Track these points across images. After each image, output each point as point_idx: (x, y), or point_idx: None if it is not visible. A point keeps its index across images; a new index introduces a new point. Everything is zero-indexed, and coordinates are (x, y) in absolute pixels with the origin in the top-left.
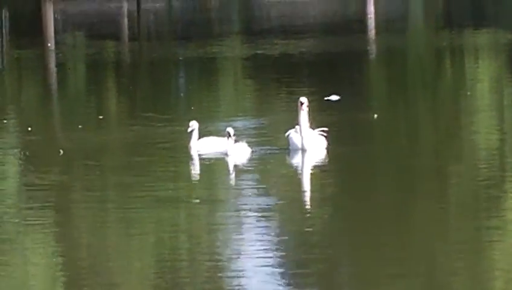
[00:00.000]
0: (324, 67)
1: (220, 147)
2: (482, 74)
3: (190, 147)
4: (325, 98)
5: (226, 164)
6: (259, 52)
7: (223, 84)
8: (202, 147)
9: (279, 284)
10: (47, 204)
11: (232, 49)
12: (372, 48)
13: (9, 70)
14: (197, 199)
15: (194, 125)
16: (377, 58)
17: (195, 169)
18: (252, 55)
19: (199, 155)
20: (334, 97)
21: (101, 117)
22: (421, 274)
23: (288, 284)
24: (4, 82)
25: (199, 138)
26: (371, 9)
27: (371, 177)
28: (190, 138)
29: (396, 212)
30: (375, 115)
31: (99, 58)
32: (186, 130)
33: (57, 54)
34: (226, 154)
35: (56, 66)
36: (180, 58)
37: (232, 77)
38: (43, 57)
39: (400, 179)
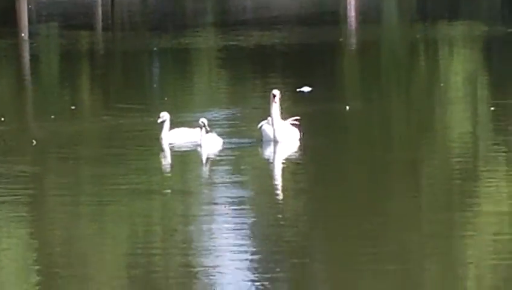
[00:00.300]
0: (298, 59)
1: (191, 138)
2: (456, 66)
3: (161, 138)
4: (298, 89)
5: (198, 155)
6: (233, 43)
7: (197, 75)
8: (173, 138)
9: (253, 277)
10: (19, 195)
11: (207, 41)
12: (347, 40)
13: None
14: (169, 190)
15: (164, 116)
16: (351, 50)
17: (167, 160)
18: (226, 47)
19: (171, 146)
20: (306, 88)
21: (73, 107)
22: (394, 265)
23: (261, 276)
24: None
25: (170, 128)
26: (351, 1)
27: (343, 168)
28: (161, 129)
29: (369, 204)
30: (347, 107)
31: (73, 48)
32: (157, 121)
33: (30, 44)
34: (199, 145)
35: (30, 57)
36: (155, 48)
37: (206, 68)
38: (16, 47)
39: (372, 171)
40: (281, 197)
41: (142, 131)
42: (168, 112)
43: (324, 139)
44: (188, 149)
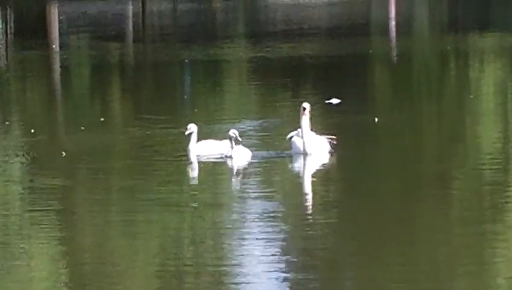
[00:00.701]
0: (327, 71)
1: (218, 150)
2: (487, 78)
3: (189, 150)
4: (326, 101)
5: (226, 167)
6: (263, 54)
7: (227, 86)
8: (201, 149)
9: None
10: (50, 207)
11: (237, 52)
12: (376, 51)
13: (13, 71)
14: (199, 203)
15: (192, 128)
16: (381, 61)
17: (196, 173)
18: (256, 58)
19: (198, 158)
20: (335, 100)
21: (102, 119)
22: (424, 280)
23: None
24: (8, 83)
25: (198, 140)
26: (392, 11)
27: (374, 181)
28: (189, 140)
29: (399, 217)
30: (376, 119)
31: (103, 60)
32: (185, 133)
33: (61, 55)
34: (229, 156)
35: (60, 68)
36: (185, 60)
37: (236, 79)
38: (47, 58)
39: (403, 184)
40: (311, 210)
41: (171, 143)
42: (197, 123)
43: (353, 152)
44: (215, 161)
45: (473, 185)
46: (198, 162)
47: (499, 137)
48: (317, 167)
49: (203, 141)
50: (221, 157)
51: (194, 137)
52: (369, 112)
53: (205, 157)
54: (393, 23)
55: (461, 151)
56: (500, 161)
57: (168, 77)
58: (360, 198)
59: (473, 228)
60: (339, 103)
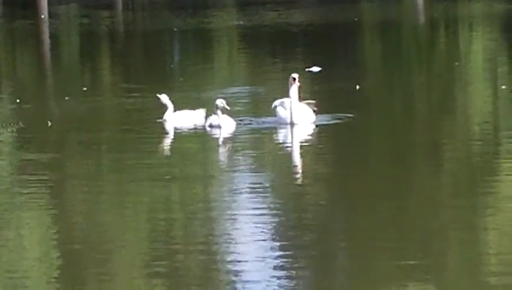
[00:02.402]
0: (313, 38)
1: (195, 120)
2: (474, 44)
3: (165, 120)
4: (306, 69)
5: (210, 137)
6: (252, 23)
7: (214, 55)
8: (177, 120)
9: (273, 264)
10: (38, 180)
11: (226, 21)
12: (364, 19)
13: (2, 41)
14: (188, 175)
15: (162, 98)
16: (366, 29)
17: (181, 144)
18: (245, 27)
19: (175, 128)
20: (315, 68)
21: (84, 89)
22: (415, 251)
23: (282, 264)
24: None
25: (174, 110)
26: None
27: (361, 151)
28: (165, 111)
29: (390, 189)
30: (357, 86)
31: (92, 29)
32: (157, 104)
33: (50, 24)
34: (216, 126)
35: (49, 37)
36: (175, 29)
37: (224, 48)
38: (36, 27)
39: (391, 153)
40: (300, 182)
41: (153, 111)
42: (183, 90)
43: (339, 121)
44: (194, 131)
45: (463, 155)
46: (180, 132)
47: (487, 105)
48: (304, 137)
49: (178, 112)
50: (197, 128)
51: (170, 107)
52: (351, 80)
53: (181, 127)
54: None
55: (443, 119)
56: (488, 130)
57: (157, 46)
58: (349, 169)
59: (464, 200)
60: (320, 71)
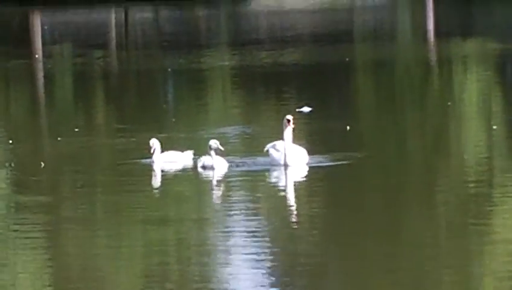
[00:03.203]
0: (306, 78)
1: (182, 161)
2: (467, 84)
3: (153, 162)
4: (297, 110)
5: (201, 179)
6: (246, 63)
7: (208, 95)
8: (165, 161)
9: None
10: (32, 223)
11: (220, 60)
12: (356, 58)
13: None
14: (183, 218)
15: (154, 144)
16: (358, 69)
17: (171, 186)
18: (238, 66)
19: (164, 169)
20: (306, 109)
21: (76, 130)
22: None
23: None
24: None
25: (162, 151)
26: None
27: (355, 192)
28: (152, 152)
29: (384, 230)
30: (348, 127)
31: (86, 68)
32: (149, 150)
33: (44, 64)
34: (210, 167)
35: (43, 77)
36: (169, 69)
37: (217, 88)
38: (30, 67)
39: (382, 193)
40: (294, 224)
41: (143, 152)
42: (175, 131)
43: (333, 162)
44: (187, 173)
45: (456, 196)
46: (173, 174)
47: (481, 145)
48: (298, 179)
49: (166, 152)
50: (184, 169)
51: (157, 150)
52: (342, 120)
53: (169, 168)
54: (431, 28)
55: (437, 158)
56: (483, 171)
57: (151, 86)
58: (344, 211)
59: (458, 242)
60: (311, 111)
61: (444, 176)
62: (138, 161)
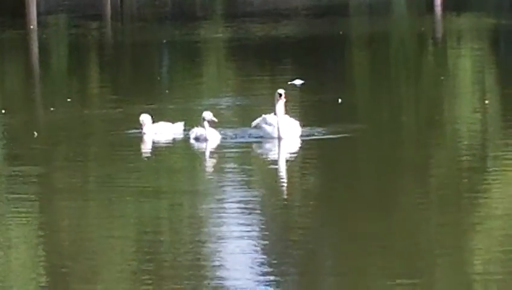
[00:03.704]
0: (298, 51)
1: (172, 132)
2: (460, 59)
3: (144, 133)
4: (289, 82)
5: (194, 150)
6: (240, 35)
7: (202, 67)
8: (156, 132)
9: (260, 279)
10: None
11: (214, 32)
12: (350, 32)
13: None
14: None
15: (144, 120)
16: (352, 42)
17: (163, 157)
18: (232, 39)
19: (156, 141)
20: (298, 81)
21: (69, 100)
22: (402, 269)
23: (269, 278)
24: None
25: (153, 122)
26: None
27: (348, 165)
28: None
29: (375, 202)
30: (339, 100)
31: (81, 39)
32: (140, 126)
33: (39, 35)
34: (203, 139)
35: (38, 48)
36: (163, 40)
37: (211, 60)
38: (25, 38)
39: (376, 166)
40: (288, 197)
41: (136, 124)
42: (169, 102)
43: (325, 135)
44: (179, 144)
45: (450, 169)
46: (166, 145)
47: (474, 119)
48: (290, 151)
49: (157, 123)
50: (175, 140)
51: (148, 124)
52: (333, 93)
53: (160, 139)
54: (438, 2)
55: (425, 130)
56: (477, 145)
57: (145, 57)
58: (337, 183)
59: (451, 216)
60: (303, 84)
61: (437, 149)
62: (130, 131)
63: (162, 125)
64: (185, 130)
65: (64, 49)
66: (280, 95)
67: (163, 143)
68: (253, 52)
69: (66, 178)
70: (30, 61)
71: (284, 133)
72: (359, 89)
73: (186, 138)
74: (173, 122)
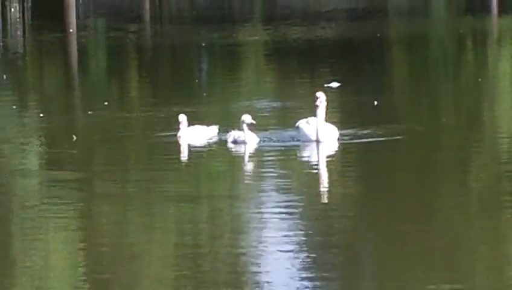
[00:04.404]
0: (338, 54)
1: (207, 136)
2: (500, 61)
3: (179, 137)
4: (325, 85)
5: (233, 154)
6: (279, 38)
7: (240, 70)
8: (191, 136)
9: (301, 282)
10: (65, 198)
11: (253, 35)
12: (388, 33)
13: (30, 55)
14: (215, 194)
15: (182, 120)
16: (391, 44)
17: (202, 161)
18: (271, 41)
19: (192, 145)
20: (335, 84)
21: (106, 103)
22: (443, 273)
23: (309, 282)
24: (25, 67)
25: (189, 125)
26: None
27: (387, 168)
28: (179, 127)
29: (416, 206)
30: (375, 102)
31: (120, 42)
32: (177, 127)
33: (78, 38)
34: (242, 142)
35: (77, 51)
36: (202, 44)
37: (250, 63)
38: (64, 41)
39: (415, 168)
40: (327, 200)
41: (174, 128)
42: (206, 105)
43: (360, 138)
44: (217, 148)
45: (491, 173)
46: (204, 150)
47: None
48: (329, 155)
49: (192, 127)
50: (211, 143)
51: (184, 125)
52: (369, 95)
53: (195, 143)
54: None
55: (465, 132)
56: None
57: (184, 60)
58: (375, 188)
59: (492, 220)
60: (339, 86)
61: (477, 152)
62: (167, 135)
63: (197, 128)
64: (219, 133)
65: (103, 53)
66: (317, 98)
67: (201, 147)
68: (291, 55)
69: (105, 183)
70: (69, 64)
71: (322, 136)
72: (396, 91)
73: (223, 141)
74: (208, 126)
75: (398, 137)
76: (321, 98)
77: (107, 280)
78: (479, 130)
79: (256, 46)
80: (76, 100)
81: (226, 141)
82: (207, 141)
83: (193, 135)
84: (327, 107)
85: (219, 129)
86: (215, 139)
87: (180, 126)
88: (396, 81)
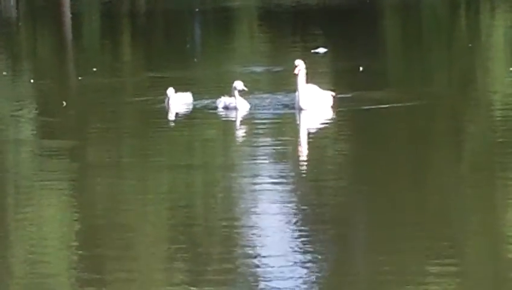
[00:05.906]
0: (326, 19)
1: (183, 102)
2: (491, 27)
3: (168, 106)
4: (312, 51)
5: (224, 121)
6: (270, 4)
7: (231, 36)
8: (179, 101)
9: (295, 249)
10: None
11: (245, 0)
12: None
13: (23, 20)
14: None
15: (170, 93)
16: (379, 10)
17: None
18: (264, 7)
19: (176, 110)
20: (322, 50)
21: (94, 69)
22: (439, 236)
23: (303, 248)
24: (18, 33)
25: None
26: None
27: (379, 134)
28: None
29: (409, 173)
30: (361, 68)
31: (113, 8)
32: (164, 99)
33: (72, 4)
34: (233, 108)
35: (71, 15)
36: (196, 9)
37: (241, 29)
38: (57, 7)
39: (410, 136)
40: (320, 166)
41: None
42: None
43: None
44: (204, 113)
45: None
46: (193, 115)
47: (504, 87)
48: (314, 122)
49: (180, 93)
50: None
51: (172, 96)
52: (355, 61)
53: (183, 110)
54: None
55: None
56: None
57: (177, 26)
58: (368, 155)
59: (484, 190)
60: (326, 52)
61: (468, 121)
62: (157, 101)
63: (182, 95)
64: (194, 99)
65: (96, 18)
66: (295, 66)
67: (191, 113)
68: (282, 20)
69: (97, 152)
70: (62, 30)
71: (304, 103)
72: (383, 57)
73: (213, 107)
74: (184, 92)
75: (386, 106)
76: (300, 66)
77: (100, 245)
78: (469, 97)
79: (249, 12)
80: (68, 66)
81: (216, 107)
82: (194, 106)
83: (180, 103)
84: (312, 74)
85: (193, 95)
86: (190, 106)
87: (167, 100)
88: (384, 47)
